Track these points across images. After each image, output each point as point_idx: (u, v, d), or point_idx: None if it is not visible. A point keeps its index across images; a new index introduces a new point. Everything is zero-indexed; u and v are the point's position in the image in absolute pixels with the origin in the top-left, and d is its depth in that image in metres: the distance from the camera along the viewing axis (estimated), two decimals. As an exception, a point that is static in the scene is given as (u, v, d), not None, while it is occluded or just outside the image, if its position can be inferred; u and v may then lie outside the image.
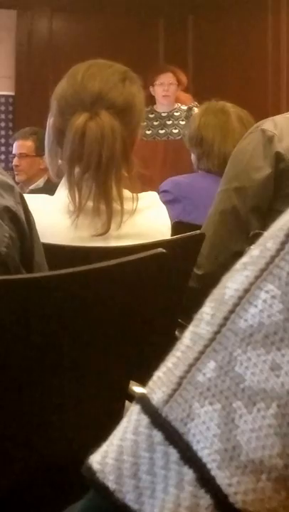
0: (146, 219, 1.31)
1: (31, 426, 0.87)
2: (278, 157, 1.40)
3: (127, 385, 0.98)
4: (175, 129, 3.85)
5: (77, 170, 1.27)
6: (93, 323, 0.90)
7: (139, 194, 1.31)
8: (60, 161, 1.33)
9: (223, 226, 1.44)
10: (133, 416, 0.36)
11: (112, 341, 0.93)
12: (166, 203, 1.42)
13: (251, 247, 0.37)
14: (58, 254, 1.12)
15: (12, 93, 5.21)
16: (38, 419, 0.87)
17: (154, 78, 3.77)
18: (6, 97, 5.20)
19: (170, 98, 3.83)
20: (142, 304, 0.97)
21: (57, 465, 0.90)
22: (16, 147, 3.39)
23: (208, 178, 1.93)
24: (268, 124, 1.44)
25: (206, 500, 0.34)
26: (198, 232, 1.28)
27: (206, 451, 0.34)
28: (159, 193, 1.44)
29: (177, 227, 1.41)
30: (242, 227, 1.40)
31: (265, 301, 0.34)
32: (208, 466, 0.34)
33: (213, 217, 1.47)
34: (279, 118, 1.47)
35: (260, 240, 0.36)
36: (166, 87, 3.78)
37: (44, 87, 4.29)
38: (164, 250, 0.94)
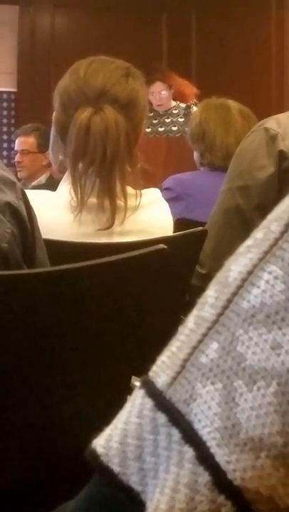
0: (149, 215, 1.31)
1: (33, 421, 0.87)
2: (282, 156, 1.40)
3: (129, 380, 0.97)
4: (174, 126, 3.90)
5: (80, 165, 1.26)
6: (95, 319, 0.90)
7: (142, 190, 1.31)
8: (61, 157, 1.32)
9: (227, 225, 1.43)
10: (137, 400, 0.37)
11: (113, 337, 0.93)
12: (168, 200, 1.42)
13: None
14: (60, 250, 1.12)
15: (14, 89, 5.21)
16: (39, 415, 0.87)
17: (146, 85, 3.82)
18: (8, 93, 5.19)
19: (164, 105, 3.94)
20: (144, 299, 0.97)
21: (58, 460, 0.90)
22: (18, 144, 3.39)
23: (210, 175, 1.93)
24: (271, 123, 1.43)
25: (204, 477, 0.34)
26: (200, 228, 1.27)
27: (207, 430, 0.34)
28: (161, 191, 1.44)
29: (179, 224, 1.41)
30: (246, 226, 1.40)
31: (267, 281, 0.35)
32: (208, 444, 0.34)
33: (216, 216, 1.46)
34: (282, 116, 1.46)
35: (264, 223, 0.37)
36: (157, 96, 3.89)
37: (46, 84, 4.29)
38: (166, 247, 0.94)
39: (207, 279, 1.39)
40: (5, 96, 5.18)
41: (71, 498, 0.49)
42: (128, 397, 0.97)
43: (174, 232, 1.35)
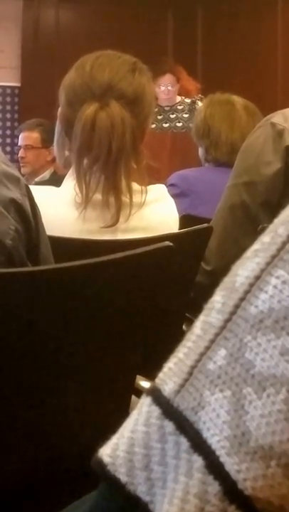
0: (155, 212, 1.30)
1: (36, 421, 0.86)
2: (288, 151, 1.39)
3: (133, 380, 0.97)
4: (179, 122, 3.88)
5: (85, 161, 1.25)
6: (99, 317, 0.89)
7: (148, 187, 1.30)
8: (67, 153, 1.31)
9: (233, 221, 1.42)
10: (144, 408, 0.36)
11: (118, 335, 0.92)
12: (173, 196, 1.41)
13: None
14: (65, 247, 1.11)
15: (18, 84, 5.20)
16: (43, 414, 0.87)
17: (154, 78, 3.78)
18: (12, 88, 5.18)
19: (171, 99, 3.91)
20: (149, 297, 0.96)
21: (62, 460, 0.89)
22: (22, 139, 3.37)
23: (215, 172, 1.92)
24: (278, 118, 1.42)
25: (214, 487, 0.33)
26: (205, 225, 1.27)
27: (216, 438, 0.33)
28: (166, 187, 1.43)
29: (185, 220, 1.40)
30: (251, 223, 1.39)
31: (275, 286, 0.34)
32: (217, 452, 0.33)
33: (222, 212, 1.45)
34: None
35: (271, 227, 0.36)
36: (165, 89, 3.86)
37: (50, 78, 4.27)
38: (171, 244, 0.93)
39: (212, 275, 1.38)
40: (8, 91, 5.17)
41: (73, 499, 0.49)
42: (132, 396, 0.96)
43: (179, 228, 1.34)
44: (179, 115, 3.89)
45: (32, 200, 0.98)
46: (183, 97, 3.91)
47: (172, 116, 3.90)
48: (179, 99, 3.92)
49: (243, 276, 0.35)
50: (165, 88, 3.85)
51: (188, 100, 3.88)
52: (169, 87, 3.89)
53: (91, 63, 1.28)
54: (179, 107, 3.90)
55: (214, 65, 5.06)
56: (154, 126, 3.81)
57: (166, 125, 3.89)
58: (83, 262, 0.85)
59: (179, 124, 3.87)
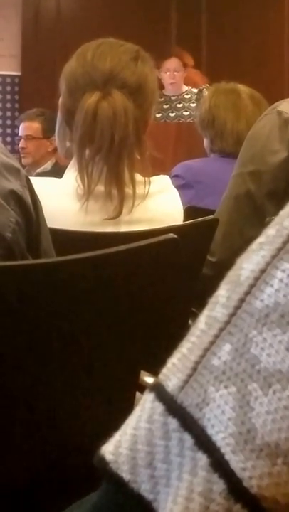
0: (158, 204, 1.28)
1: (40, 417, 0.85)
2: None
3: (137, 375, 0.95)
4: (186, 111, 3.81)
5: (87, 152, 1.23)
6: (102, 311, 0.88)
7: (151, 178, 1.28)
8: (68, 143, 1.29)
9: (238, 211, 1.40)
10: (147, 404, 0.35)
11: (122, 330, 0.91)
12: (177, 188, 1.39)
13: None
14: (66, 239, 1.10)
15: (18, 73, 5.15)
16: (46, 409, 0.86)
17: (159, 63, 3.71)
18: (12, 77, 5.14)
19: (177, 85, 3.81)
20: (153, 291, 0.95)
21: (66, 456, 0.88)
22: (22, 129, 3.33)
23: (221, 162, 1.90)
24: (285, 106, 1.40)
25: (219, 485, 0.33)
26: (211, 217, 1.25)
27: (221, 435, 0.33)
28: (170, 178, 1.41)
29: (190, 212, 1.38)
30: (257, 213, 1.37)
31: (281, 280, 0.34)
32: (222, 450, 0.33)
33: (227, 202, 1.43)
34: None
35: (277, 219, 0.36)
36: (171, 73, 3.76)
37: (51, 67, 4.23)
38: (175, 236, 0.92)
39: (217, 267, 1.35)
40: (8, 80, 5.13)
41: (76, 497, 0.47)
42: (136, 392, 0.94)
43: (184, 220, 1.33)
44: (186, 104, 3.82)
45: (32, 191, 0.96)
46: (190, 87, 3.84)
47: (179, 105, 3.83)
48: (185, 88, 3.85)
49: (247, 270, 0.35)
50: (171, 72, 3.72)
51: (195, 90, 3.81)
52: (177, 70, 3.74)
53: (92, 51, 1.26)
54: (186, 96, 3.83)
55: (219, 54, 5.01)
56: (159, 115, 3.75)
57: (172, 114, 3.82)
58: (85, 255, 0.83)
59: (186, 113, 3.80)
